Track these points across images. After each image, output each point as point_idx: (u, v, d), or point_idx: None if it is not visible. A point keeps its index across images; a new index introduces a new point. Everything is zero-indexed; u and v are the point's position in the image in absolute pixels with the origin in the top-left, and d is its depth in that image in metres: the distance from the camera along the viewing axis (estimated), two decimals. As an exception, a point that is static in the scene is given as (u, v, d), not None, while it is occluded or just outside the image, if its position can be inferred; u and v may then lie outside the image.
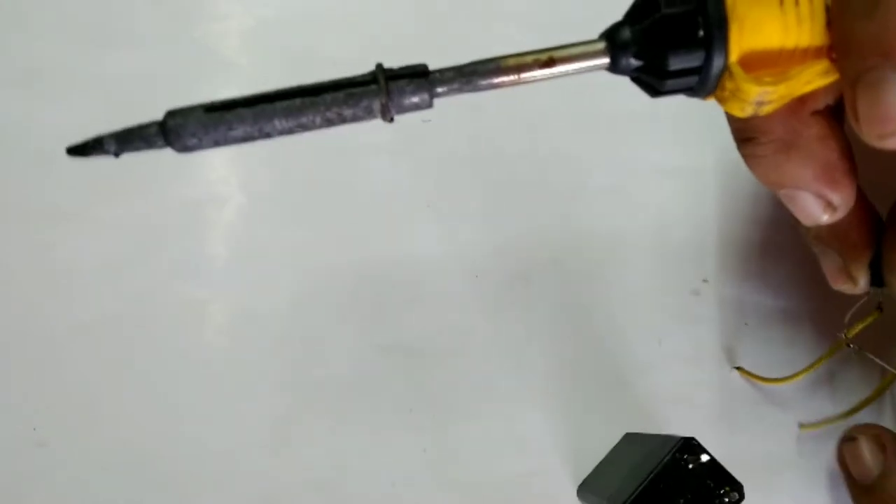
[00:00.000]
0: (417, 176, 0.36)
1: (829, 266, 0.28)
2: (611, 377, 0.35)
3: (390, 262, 0.36)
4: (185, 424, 0.34)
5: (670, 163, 0.37)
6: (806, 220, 0.25)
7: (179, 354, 0.34)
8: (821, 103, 0.23)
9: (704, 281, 0.36)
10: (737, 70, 0.18)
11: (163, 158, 0.35)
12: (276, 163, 0.37)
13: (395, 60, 0.36)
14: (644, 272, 0.36)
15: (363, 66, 0.37)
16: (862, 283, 0.28)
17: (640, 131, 0.37)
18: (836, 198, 0.24)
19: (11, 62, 0.36)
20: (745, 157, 0.25)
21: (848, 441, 0.33)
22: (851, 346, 0.33)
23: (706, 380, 0.36)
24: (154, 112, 0.35)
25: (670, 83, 0.19)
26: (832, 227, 0.27)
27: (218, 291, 0.35)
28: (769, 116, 0.22)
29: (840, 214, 0.25)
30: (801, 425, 0.35)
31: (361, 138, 0.36)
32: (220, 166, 0.36)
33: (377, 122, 0.36)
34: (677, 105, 0.36)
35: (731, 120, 0.25)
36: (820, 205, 0.25)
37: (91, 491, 0.33)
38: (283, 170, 0.36)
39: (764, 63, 0.19)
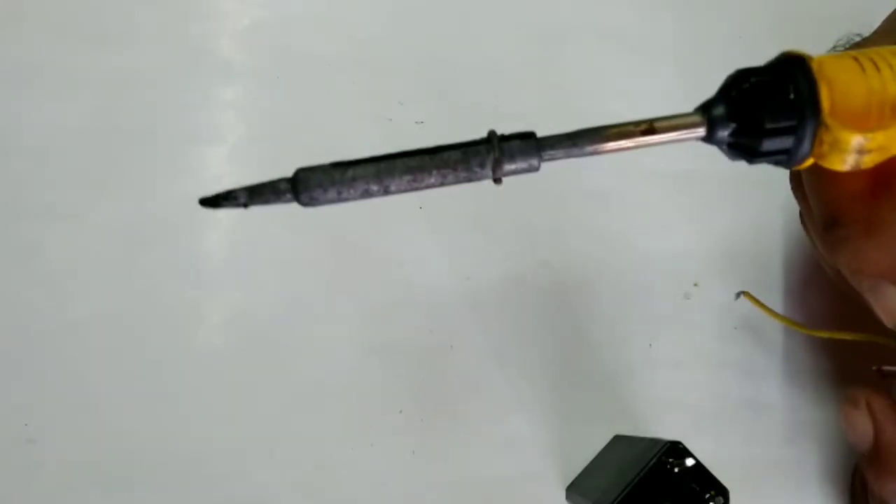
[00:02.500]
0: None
1: (886, 301, 0.25)
2: (601, 380, 0.36)
3: (382, 263, 0.36)
4: (177, 423, 0.34)
5: (663, 167, 0.37)
6: (888, 318, 0.24)
7: (172, 353, 0.34)
8: None
9: (695, 285, 0.37)
10: (831, 121, 0.19)
11: (156, 157, 0.36)
12: (271, 163, 0.36)
13: (392, 59, 0.37)
14: (635, 275, 0.37)
15: (359, 66, 0.37)
16: None
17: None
18: None
19: (5, 59, 0.35)
20: (830, 244, 0.24)
21: (845, 406, 0.29)
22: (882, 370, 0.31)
23: (696, 383, 0.36)
24: (149, 112, 0.36)
25: (767, 143, 0.20)
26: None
27: (211, 291, 0.35)
28: (854, 199, 0.23)
29: None
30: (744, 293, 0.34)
31: (354, 142, 0.37)
32: (215, 165, 0.36)
33: (372, 124, 0.36)
34: (671, 110, 0.37)
35: (817, 205, 0.25)
36: None
37: (79, 488, 0.33)
38: (279, 170, 0.36)
39: (857, 118, 0.20)
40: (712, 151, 0.38)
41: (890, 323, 0.25)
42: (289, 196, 0.19)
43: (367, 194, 0.19)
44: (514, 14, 0.39)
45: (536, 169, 0.19)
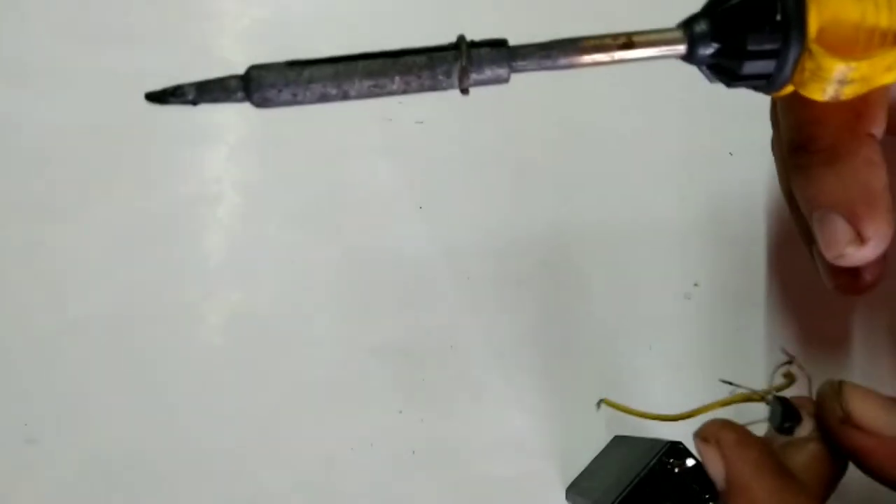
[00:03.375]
0: (409, 177, 0.37)
1: (831, 232, 0.25)
2: (601, 380, 0.35)
3: (382, 263, 0.36)
4: (176, 422, 0.34)
5: (661, 168, 0.37)
6: (830, 250, 0.24)
7: (171, 353, 0.34)
8: (878, 128, 0.23)
9: (695, 285, 0.36)
10: (816, 48, 0.19)
11: (155, 157, 0.36)
12: (269, 162, 0.37)
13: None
14: (635, 276, 0.36)
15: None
16: (874, 240, 0.24)
17: (630, 138, 0.38)
18: (869, 229, 0.23)
19: (4, 58, 0.35)
20: (792, 167, 0.25)
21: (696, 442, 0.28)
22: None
23: (696, 384, 0.36)
24: (148, 112, 0.35)
25: (748, 66, 0.19)
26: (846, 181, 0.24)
27: (211, 291, 0.35)
28: (824, 126, 0.23)
29: (867, 253, 0.23)
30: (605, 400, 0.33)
31: (355, 139, 0.37)
32: (214, 165, 0.36)
33: (372, 124, 0.36)
34: (668, 113, 0.37)
35: (790, 129, 0.24)
36: (849, 233, 0.23)
37: (80, 488, 0.33)
38: (277, 170, 0.37)
39: (843, 45, 0.19)
40: (710, 152, 0.38)
41: (829, 255, 0.24)
42: (240, 95, 0.18)
43: (324, 98, 0.18)
44: (514, 13, 0.39)
45: (506, 80, 0.18)
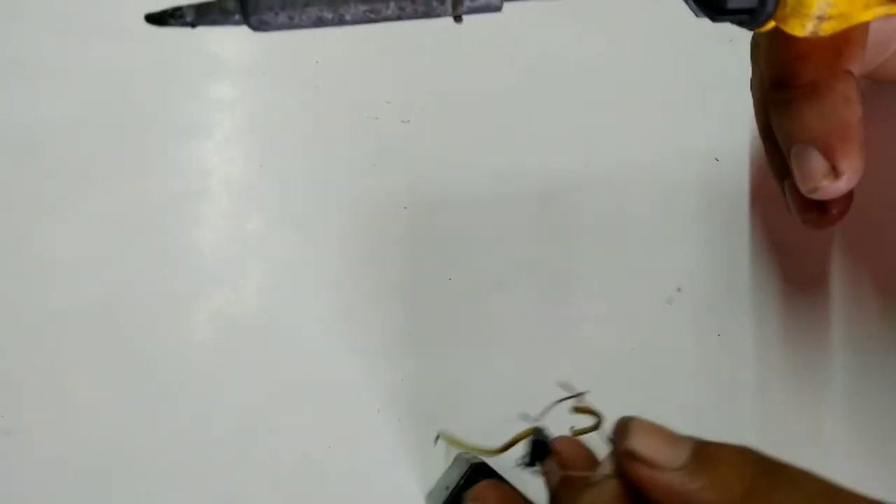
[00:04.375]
0: (395, 177, 0.37)
1: (808, 165, 0.26)
2: (582, 385, 0.35)
3: (367, 262, 0.36)
4: (157, 418, 0.33)
5: (646, 172, 0.37)
6: (806, 183, 0.25)
7: (156, 348, 0.34)
8: (856, 66, 0.25)
9: (678, 290, 0.36)
10: None
11: (145, 151, 0.35)
12: (260, 159, 0.37)
13: (380, 59, 0.37)
14: (618, 279, 0.36)
15: (346, 65, 0.37)
16: (847, 174, 0.25)
17: (617, 140, 0.38)
18: (844, 163, 0.24)
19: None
20: (773, 103, 0.26)
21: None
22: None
23: (679, 390, 0.35)
24: (137, 106, 0.36)
25: (732, 1, 0.20)
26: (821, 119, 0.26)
27: (198, 287, 0.35)
28: (804, 62, 0.24)
29: (841, 185, 0.25)
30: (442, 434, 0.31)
31: (341, 140, 0.37)
32: (202, 161, 0.36)
33: (356, 123, 0.36)
34: (656, 113, 0.37)
35: (772, 66, 0.26)
36: (825, 167, 0.25)
37: (55, 481, 0.32)
38: (268, 167, 0.37)
39: None
40: (697, 155, 0.38)
41: (805, 188, 0.25)
42: (237, 17, 0.18)
43: (320, 22, 0.18)
44: (506, 12, 0.39)
45: (498, 9, 0.19)
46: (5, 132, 0.35)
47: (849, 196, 0.27)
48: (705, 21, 0.22)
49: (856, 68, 0.25)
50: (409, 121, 0.37)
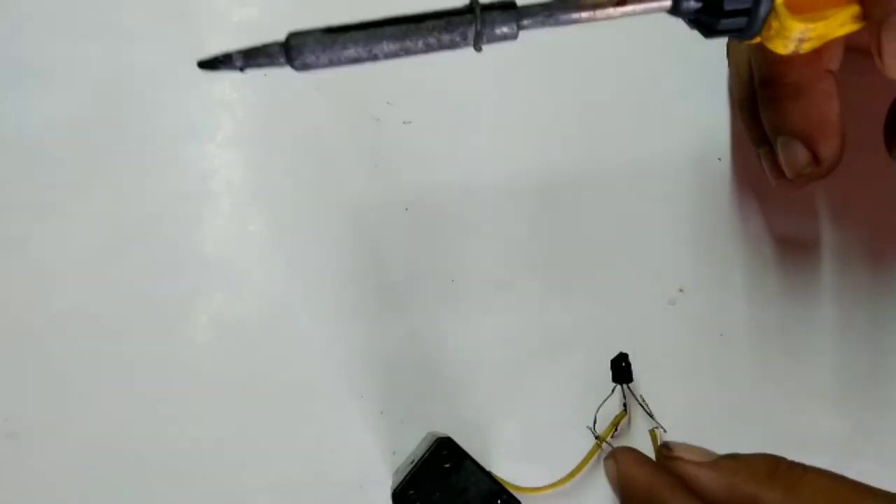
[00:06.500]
0: (396, 178, 0.37)
1: (793, 155, 0.29)
2: (584, 385, 0.35)
3: (368, 264, 0.36)
4: (159, 420, 0.34)
5: (647, 172, 0.37)
6: (791, 170, 0.29)
7: (156, 350, 0.34)
8: (835, 64, 0.28)
9: (680, 290, 0.37)
10: (782, 10, 0.22)
11: (145, 153, 0.35)
12: (261, 161, 0.37)
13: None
14: (620, 280, 0.37)
15: (354, 66, 0.37)
16: (827, 162, 0.29)
17: (618, 139, 0.38)
18: (825, 151, 0.28)
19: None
20: (761, 99, 0.29)
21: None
22: (606, 444, 0.34)
23: (680, 390, 0.36)
24: (138, 107, 0.35)
25: (724, 22, 0.22)
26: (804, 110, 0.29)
27: (197, 289, 0.35)
28: (789, 65, 0.27)
29: (822, 171, 0.28)
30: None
31: (345, 140, 0.37)
32: (203, 163, 0.36)
33: (356, 123, 0.36)
34: (658, 113, 0.37)
35: (759, 67, 0.29)
36: (807, 157, 0.28)
37: (59, 484, 0.33)
38: (269, 168, 0.37)
39: (804, 6, 0.22)
40: (696, 156, 0.38)
41: (790, 173, 0.29)
42: (282, 60, 0.20)
43: (356, 60, 0.20)
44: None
45: (514, 38, 0.21)
46: (6, 133, 0.35)
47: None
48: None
49: (835, 64, 0.28)
50: (410, 122, 0.37)
